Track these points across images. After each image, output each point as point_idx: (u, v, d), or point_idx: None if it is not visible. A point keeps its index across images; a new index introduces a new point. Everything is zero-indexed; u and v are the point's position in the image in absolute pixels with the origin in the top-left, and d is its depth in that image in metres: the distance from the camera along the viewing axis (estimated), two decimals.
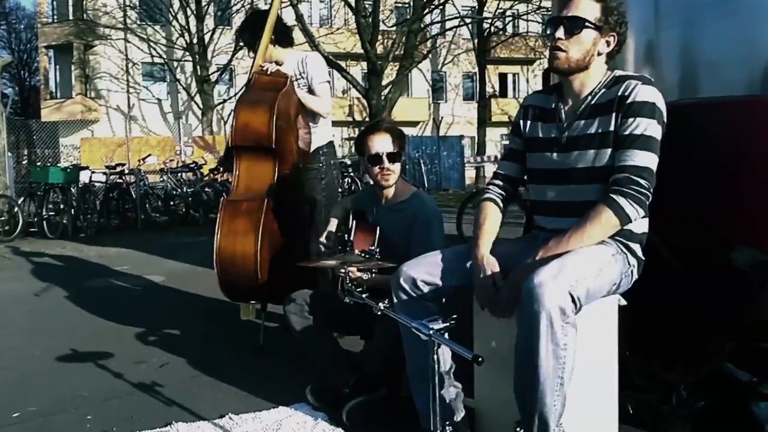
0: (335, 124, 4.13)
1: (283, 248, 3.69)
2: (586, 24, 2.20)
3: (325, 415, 2.83)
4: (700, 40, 2.94)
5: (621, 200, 2.08)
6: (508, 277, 2.17)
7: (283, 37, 4.12)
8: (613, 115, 2.17)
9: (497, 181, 2.53)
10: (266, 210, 3.52)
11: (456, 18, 28.08)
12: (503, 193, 2.50)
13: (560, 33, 2.22)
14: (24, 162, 16.03)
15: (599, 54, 2.25)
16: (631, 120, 2.13)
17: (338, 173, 4.25)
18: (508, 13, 31.20)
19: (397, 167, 2.95)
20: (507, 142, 2.61)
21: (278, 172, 3.66)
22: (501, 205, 2.48)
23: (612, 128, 2.17)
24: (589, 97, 2.26)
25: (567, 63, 2.23)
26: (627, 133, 2.13)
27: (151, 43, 28.76)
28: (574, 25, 2.20)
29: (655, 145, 2.13)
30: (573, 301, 1.96)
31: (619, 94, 2.17)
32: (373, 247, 2.80)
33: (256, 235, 3.47)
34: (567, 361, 1.98)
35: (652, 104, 2.14)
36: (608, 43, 2.24)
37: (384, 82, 22.24)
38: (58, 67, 32.90)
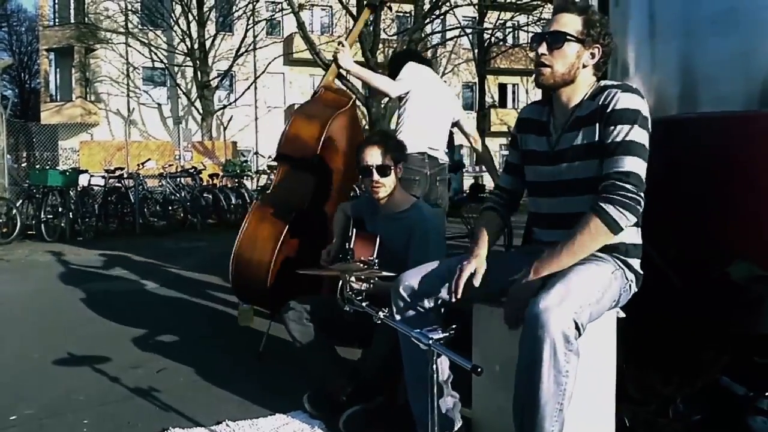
0: None
1: (299, 263, 3.70)
2: (568, 37, 2.21)
3: (322, 423, 2.83)
4: (698, 54, 2.96)
5: (608, 207, 2.07)
6: (508, 291, 2.18)
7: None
8: (597, 125, 2.18)
9: (497, 192, 2.59)
10: (292, 223, 3.51)
11: (457, 28, 28.12)
12: (503, 203, 2.54)
13: (543, 49, 2.24)
14: (23, 164, 16.01)
15: (584, 66, 2.26)
16: (612, 128, 2.14)
17: (420, 188, 3.98)
18: (509, 24, 31.27)
19: (387, 180, 2.95)
20: (507, 153, 2.64)
21: (315, 188, 3.63)
22: (501, 213, 2.51)
23: (597, 139, 2.18)
24: (575, 109, 2.27)
25: (552, 78, 2.25)
26: (610, 140, 2.14)
27: (152, 48, 28.78)
28: (556, 40, 2.22)
29: (639, 149, 2.11)
30: (577, 327, 1.97)
31: (600, 103, 2.18)
32: (372, 258, 2.81)
33: (275, 245, 3.46)
34: (567, 387, 1.98)
35: (632, 110, 2.13)
36: (593, 55, 2.26)
37: None
38: (58, 70, 32.91)
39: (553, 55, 2.23)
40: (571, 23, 2.23)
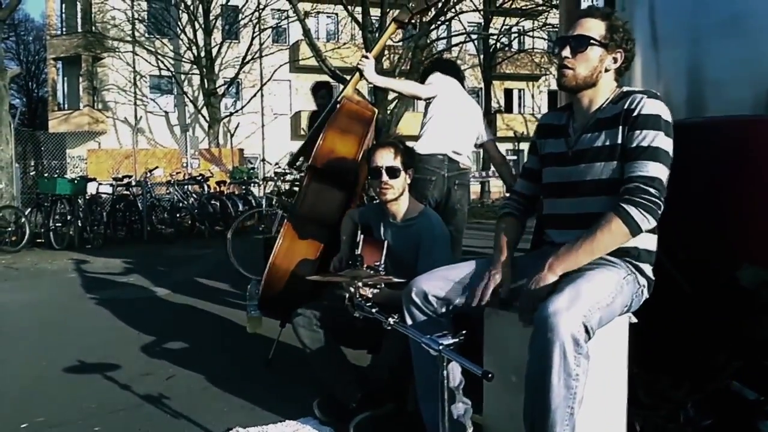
0: None
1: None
2: (592, 42, 2.25)
3: (331, 430, 2.84)
4: (706, 59, 2.96)
5: (631, 209, 2.09)
6: (522, 290, 2.20)
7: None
8: (620, 128, 2.20)
9: (514, 197, 2.63)
10: (328, 240, 3.50)
11: (462, 34, 28.19)
12: (520, 207, 2.58)
13: (566, 52, 2.27)
14: (31, 173, 16.08)
15: (607, 70, 2.29)
16: (638, 132, 2.16)
17: (436, 189, 4.14)
18: (514, 29, 31.30)
19: (396, 182, 2.96)
20: (526, 161, 2.68)
21: (346, 202, 3.62)
22: (519, 218, 2.55)
23: (619, 141, 2.20)
24: (597, 112, 2.30)
25: (574, 80, 2.28)
26: (635, 145, 2.16)
27: (159, 56, 28.89)
28: (580, 44, 2.26)
29: (664, 156, 2.14)
30: (586, 331, 1.97)
31: (626, 107, 2.20)
32: (378, 263, 2.82)
33: (314, 263, 3.46)
34: (578, 391, 1.98)
35: (657, 116, 2.16)
36: (615, 60, 2.29)
37: (390, 97, 22.32)
38: (66, 78, 33.10)
39: (576, 58, 2.27)
40: (594, 28, 2.26)
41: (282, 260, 3.49)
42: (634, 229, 2.11)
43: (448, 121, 4.15)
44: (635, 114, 2.17)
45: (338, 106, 3.80)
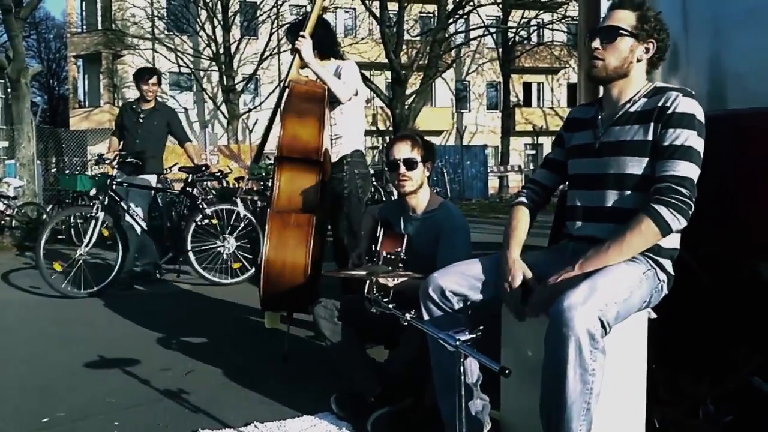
0: None
1: (320, 258, 3.72)
2: (621, 32, 2.23)
3: (349, 425, 2.84)
4: (727, 51, 2.92)
5: (662, 209, 2.07)
6: (541, 283, 2.18)
7: (323, 48, 4.12)
8: (652, 125, 2.18)
9: (531, 186, 2.60)
10: (314, 222, 3.54)
11: (480, 27, 28.09)
12: (535, 198, 2.55)
13: (596, 43, 2.26)
14: (53, 170, 16.26)
15: (638, 61, 2.28)
16: (671, 131, 2.14)
17: (365, 183, 4.13)
18: (533, 22, 31.14)
19: (414, 174, 2.96)
20: (549, 152, 2.66)
21: (320, 182, 3.67)
22: (532, 209, 2.53)
23: (650, 137, 2.18)
24: (627, 104, 2.28)
25: (605, 71, 2.27)
26: (668, 143, 2.14)
27: (178, 53, 29.07)
28: (610, 34, 2.25)
29: (696, 156, 2.12)
30: (603, 326, 1.96)
31: (660, 104, 2.18)
32: (399, 250, 2.81)
33: (307, 248, 3.47)
34: (594, 386, 1.97)
35: (692, 115, 2.14)
36: (647, 50, 2.27)
37: (408, 92, 22.31)
38: (86, 76, 33.43)
39: (606, 49, 2.25)
40: (625, 18, 2.25)
41: (275, 255, 3.51)
42: (665, 230, 2.09)
43: (362, 111, 4.24)
44: (670, 111, 2.15)
45: (287, 91, 3.81)
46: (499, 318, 2.43)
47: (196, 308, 5.64)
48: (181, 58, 29.45)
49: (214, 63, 28.41)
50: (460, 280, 2.37)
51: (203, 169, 7.36)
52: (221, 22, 27.70)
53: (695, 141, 2.13)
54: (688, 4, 3.10)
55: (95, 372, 3.75)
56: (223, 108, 28.45)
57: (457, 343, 1.72)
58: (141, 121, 6.77)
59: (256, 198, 12.81)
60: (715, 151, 2.27)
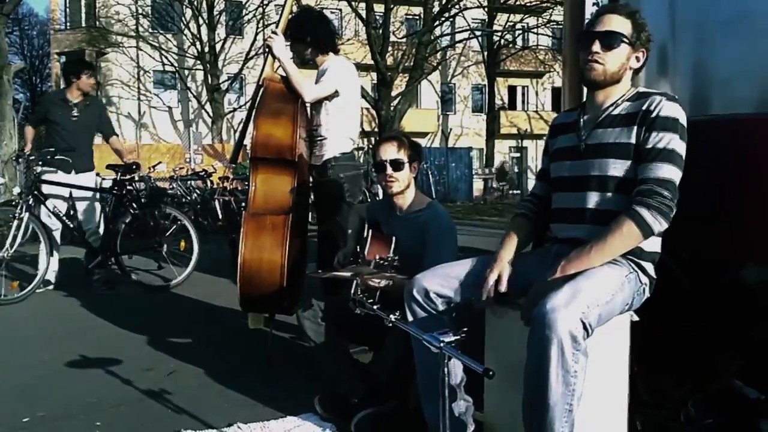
0: None
1: (301, 259, 3.70)
2: (623, 39, 2.24)
3: (333, 426, 2.84)
4: (712, 57, 2.95)
5: (644, 212, 2.09)
6: (530, 289, 2.19)
7: (319, 43, 4.02)
8: (635, 128, 2.20)
9: (528, 198, 2.64)
10: (290, 223, 3.53)
11: (466, 30, 28.19)
12: (533, 208, 2.58)
13: (597, 47, 2.25)
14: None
15: (630, 68, 2.29)
16: (654, 134, 2.16)
17: (353, 186, 3.98)
18: (518, 26, 31.27)
19: (401, 175, 2.97)
20: (541, 164, 2.68)
21: (296, 182, 3.66)
22: (532, 220, 2.55)
23: (633, 140, 2.20)
24: (611, 108, 2.29)
25: (603, 75, 2.27)
26: (651, 146, 2.16)
27: (163, 52, 28.92)
28: (612, 40, 2.24)
29: (678, 159, 2.14)
30: (585, 328, 1.97)
31: (644, 108, 2.20)
32: (390, 255, 2.82)
33: (283, 249, 3.47)
34: (576, 388, 1.98)
35: (675, 119, 2.16)
36: (638, 59, 2.29)
37: (393, 93, 22.34)
38: None
39: (607, 54, 2.25)
40: (622, 25, 2.25)
41: (251, 256, 3.51)
42: (647, 232, 2.11)
43: (353, 111, 4.09)
44: (654, 115, 2.17)
45: (262, 89, 3.79)
46: (483, 320, 2.43)
47: (179, 308, 5.60)
48: (166, 57, 29.29)
49: (198, 62, 28.28)
50: (444, 281, 2.37)
51: (133, 167, 6.86)
52: (206, 21, 27.61)
53: (678, 144, 2.15)
54: (675, 11, 3.12)
55: (76, 371, 3.72)
56: (208, 107, 28.33)
57: (441, 344, 1.73)
58: (76, 115, 6.36)
59: (241, 197, 12.81)
60: (699, 156, 2.29)
